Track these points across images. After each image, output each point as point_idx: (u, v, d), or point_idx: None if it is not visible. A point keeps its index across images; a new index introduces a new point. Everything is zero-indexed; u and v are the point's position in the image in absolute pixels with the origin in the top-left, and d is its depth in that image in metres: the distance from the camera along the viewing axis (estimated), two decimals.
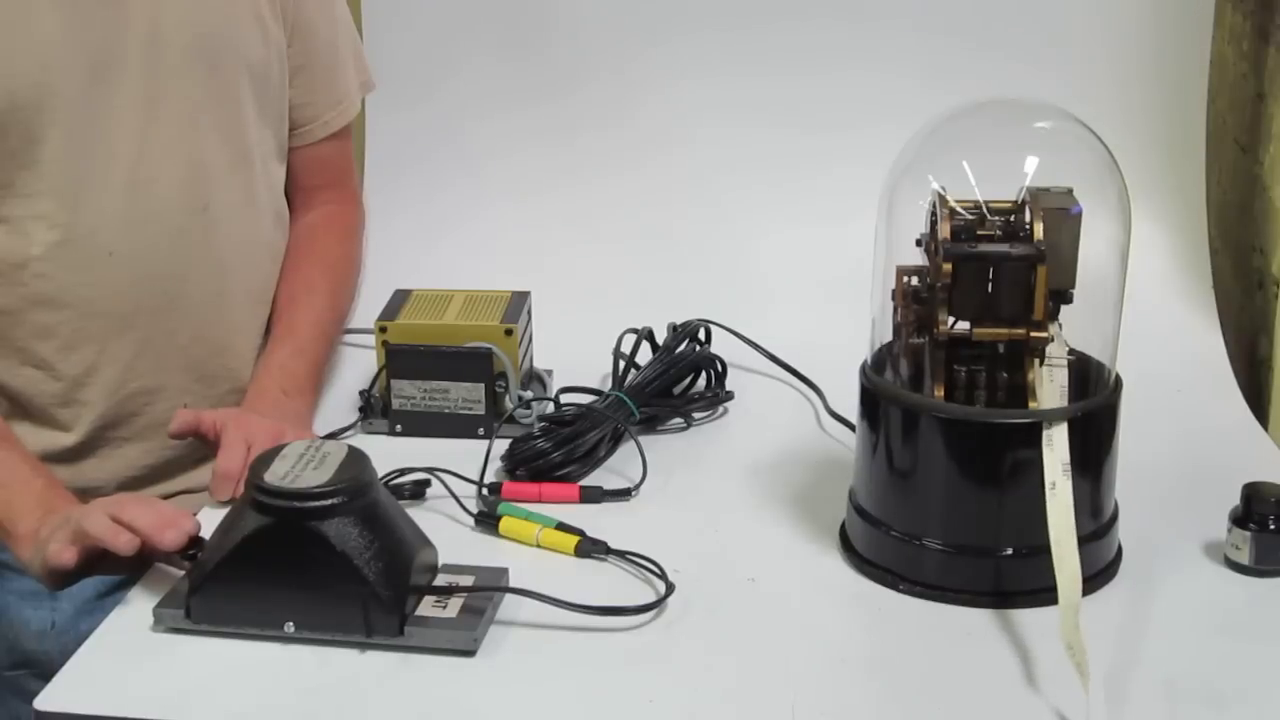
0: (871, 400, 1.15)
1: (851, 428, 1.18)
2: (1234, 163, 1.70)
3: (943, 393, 1.12)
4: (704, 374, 1.42)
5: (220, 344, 1.43)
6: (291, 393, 1.37)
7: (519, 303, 1.40)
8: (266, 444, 1.18)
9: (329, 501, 1.03)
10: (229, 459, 1.23)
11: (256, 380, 1.39)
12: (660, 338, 1.42)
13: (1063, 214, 1.11)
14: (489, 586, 1.08)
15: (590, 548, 1.16)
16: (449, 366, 1.35)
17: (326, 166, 1.54)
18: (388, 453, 1.27)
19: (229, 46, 1.39)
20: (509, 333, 1.35)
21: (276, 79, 1.45)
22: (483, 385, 1.35)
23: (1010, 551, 1.10)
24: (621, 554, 1.16)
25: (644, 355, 1.41)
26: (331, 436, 1.35)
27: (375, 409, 1.38)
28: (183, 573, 1.09)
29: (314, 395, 1.42)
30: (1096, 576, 1.14)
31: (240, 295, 1.44)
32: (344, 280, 1.54)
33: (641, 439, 1.31)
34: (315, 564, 1.03)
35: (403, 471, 1.26)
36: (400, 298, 1.42)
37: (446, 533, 1.17)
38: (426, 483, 1.25)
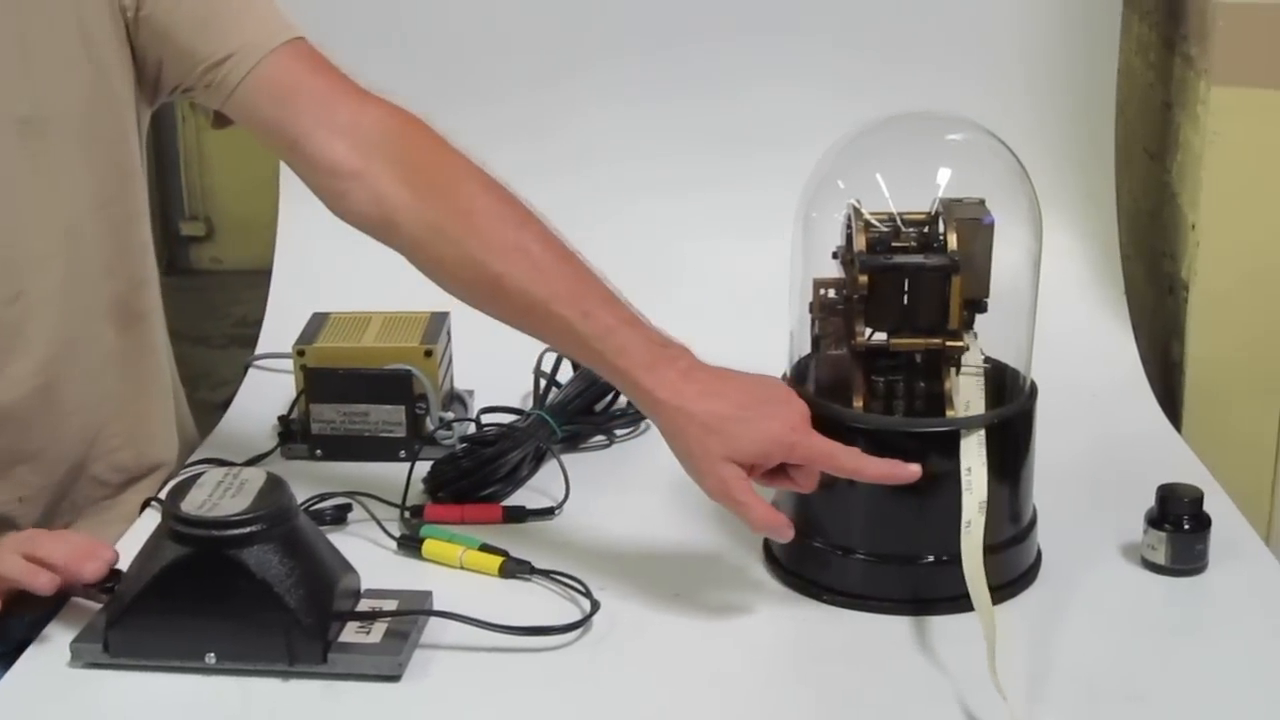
0: None
1: None
2: (1144, 171, 1.73)
3: (862, 403, 1.13)
4: None
5: (50, 432, 1.25)
6: (658, 337, 1.14)
7: (438, 323, 1.40)
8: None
9: (248, 529, 1.02)
10: None
11: (620, 360, 1.11)
12: None
13: (976, 224, 1.12)
14: (413, 610, 1.07)
15: (515, 568, 1.16)
16: (369, 389, 1.34)
17: (295, 89, 1.21)
18: (308, 478, 1.27)
19: (41, 105, 1.18)
20: (429, 354, 1.35)
21: (119, 110, 1.24)
22: (403, 407, 1.34)
23: (932, 559, 1.11)
24: (546, 573, 1.15)
25: (565, 373, 1.41)
26: (250, 463, 1.33)
27: (295, 434, 1.37)
28: (100, 606, 1.07)
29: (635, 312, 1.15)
30: (1017, 580, 1.15)
31: (71, 379, 1.25)
32: (503, 194, 1.18)
33: (564, 457, 1.31)
34: (236, 593, 1.02)
35: (323, 496, 1.25)
36: (318, 321, 1.42)
37: (369, 557, 1.16)
38: (348, 507, 1.25)
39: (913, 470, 1.08)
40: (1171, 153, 1.61)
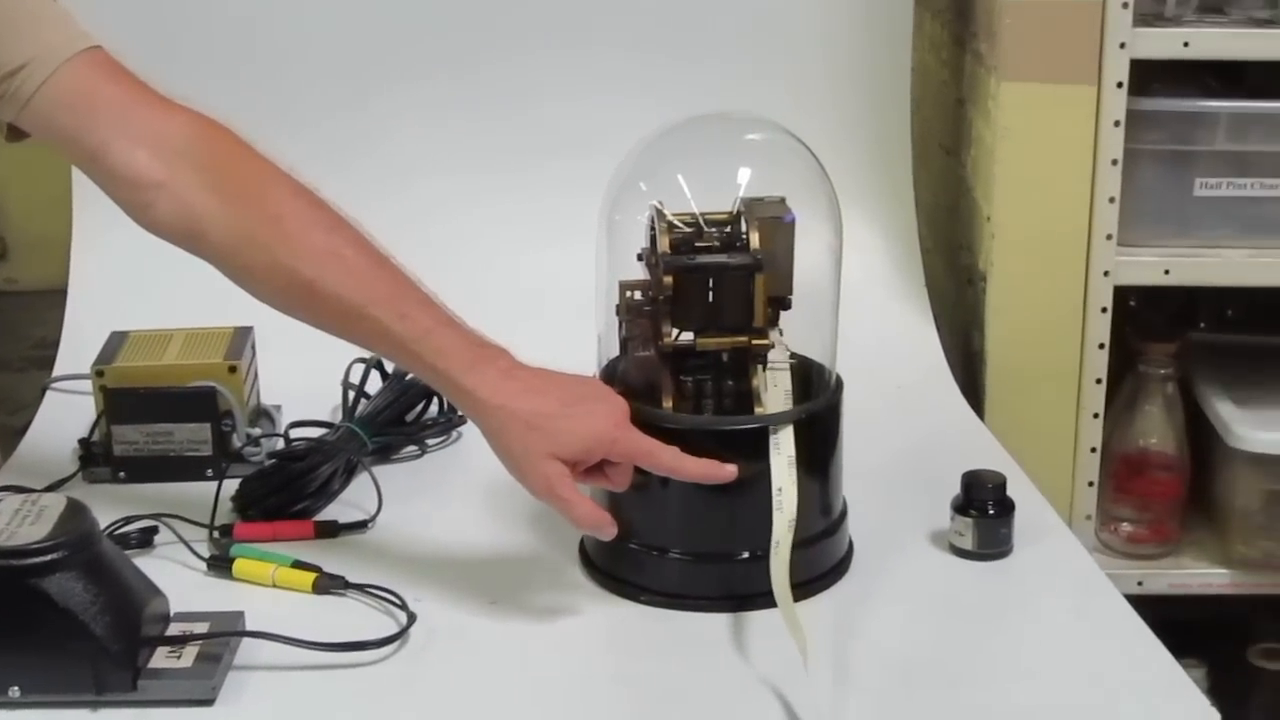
0: None
1: None
2: (940, 166, 1.76)
3: (671, 403, 1.13)
4: (436, 400, 1.40)
5: None
6: (477, 338, 1.13)
7: (242, 338, 1.38)
8: None
9: (49, 557, 0.99)
10: None
11: (440, 361, 1.11)
12: (390, 365, 1.40)
13: (777, 223, 1.13)
14: (224, 632, 1.05)
15: (329, 583, 1.14)
16: (172, 408, 1.32)
17: (93, 98, 1.16)
18: (112, 501, 1.24)
19: None
20: (233, 369, 1.33)
21: None
22: (208, 425, 1.32)
23: (747, 555, 1.12)
24: (361, 587, 1.14)
25: (374, 384, 1.40)
26: (50, 488, 1.29)
27: (97, 457, 1.34)
28: None
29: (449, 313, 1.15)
30: (830, 573, 1.16)
31: None
32: (312, 199, 1.16)
33: (375, 469, 1.29)
34: (38, 623, 0.99)
35: (128, 520, 1.22)
36: (117, 340, 1.39)
37: (178, 580, 1.14)
38: (154, 529, 1.22)
39: (730, 470, 1.09)
40: (966, 148, 1.64)
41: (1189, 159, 1.48)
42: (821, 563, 1.16)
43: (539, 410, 1.09)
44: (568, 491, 1.09)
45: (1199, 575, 1.53)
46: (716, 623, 1.11)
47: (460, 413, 1.36)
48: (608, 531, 1.11)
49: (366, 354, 1.36)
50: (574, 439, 1.09)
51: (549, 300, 1.55)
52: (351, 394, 1.38)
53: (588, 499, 1.11)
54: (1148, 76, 1.46)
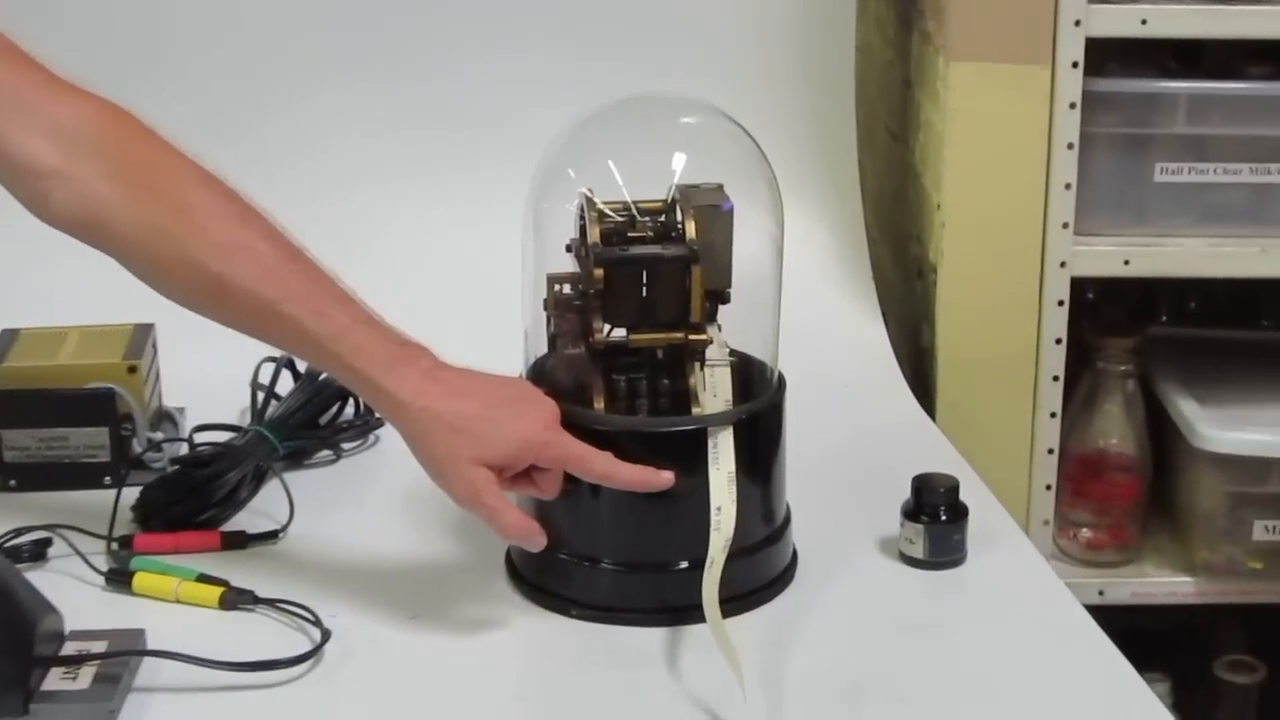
0: None
1: None
2: (887, 151, 1.75)
3: (603, 404, 1.11)
4: (351, 401, 1.38)
5: None
6: (397, 336, 1.10)
7: (142, 336, 1.35)
8: None
9: None
10: None
11: (358, 361, 1.07)
12: (302, 365, 1.37)
13: (714, 211, 1.12)
14: (123, 651, 1.02)
15: (236, 598, 1.12)
16: (66, 411, 1.29)
17: None
18: (2, 511, 1.23)
19: None
20: (133, 370, 1.30)
21: None
22: (106, 429, 1.29)
23: (685, 565, 1.09)
24: (271, 602, 1.11)
25: (285, 385, 1.37)
26: None
27: None
28: None
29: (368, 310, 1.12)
30: (773, 583, 1.14)
31: None
32: (223, 189, 1.12)
33: (287, 475, 1.27)
34: None
35: (19, 531, 1.19)
36: (7, 338, 1.35)
37: (74, 596, 1.11)
38: (48, 541, 1.19)
39: (665, 478, 1.07)
40: (913, 132, 1.63)
41: (1148, 143, 1.47)
42: (764, 573, 1.14)
43: (463, 412, 1.06)
44: (493, 499, 1.06)
45: (1162, 584, 1.52)
46: (651, 637, 1.08)
47: (379, 415, 1.32)
48: (536, 541, 1.08)
49: (277, 352, 1.34)
50: (501, 443, 1.06)
51: (473, 296, 1.52)
52: (261, 395, 1.35)
53: (515, 507, 1.08)
54: (1104, 56, 1.44)
